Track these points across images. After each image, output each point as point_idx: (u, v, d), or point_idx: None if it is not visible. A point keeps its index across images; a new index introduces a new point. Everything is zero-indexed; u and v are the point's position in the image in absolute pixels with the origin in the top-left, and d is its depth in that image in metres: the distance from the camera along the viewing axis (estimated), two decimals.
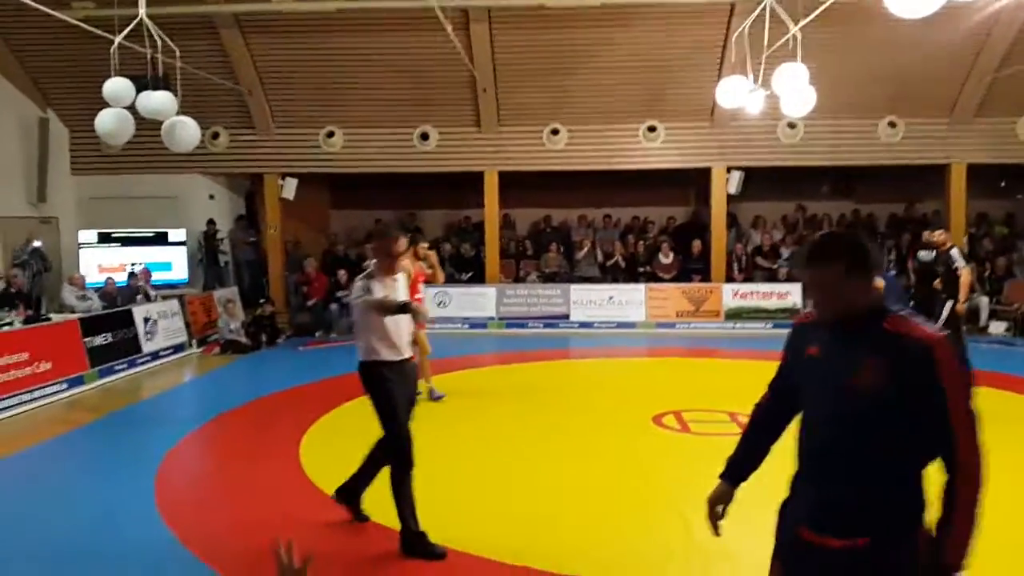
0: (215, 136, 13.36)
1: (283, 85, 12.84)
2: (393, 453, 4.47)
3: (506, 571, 4.02)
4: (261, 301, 12.77)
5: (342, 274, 13.08)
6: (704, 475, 5.67)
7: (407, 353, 4.59)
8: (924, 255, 9.91)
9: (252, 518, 4.88)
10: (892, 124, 12.82)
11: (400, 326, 4.49)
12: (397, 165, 13.56)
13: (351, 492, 4.81)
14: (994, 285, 12.75)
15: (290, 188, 13.42)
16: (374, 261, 4.55)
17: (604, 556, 4.19)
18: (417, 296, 7.48)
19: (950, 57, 11.77)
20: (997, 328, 12.26)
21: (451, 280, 13.86)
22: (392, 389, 4.44)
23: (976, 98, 12.34)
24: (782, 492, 5.17)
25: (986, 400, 6.79)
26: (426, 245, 8.05)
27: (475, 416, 7.45)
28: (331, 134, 13.40)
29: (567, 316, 13.09)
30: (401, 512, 4.33)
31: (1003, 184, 14.94)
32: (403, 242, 4.62)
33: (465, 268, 14.09)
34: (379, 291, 4.35)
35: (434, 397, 7.93)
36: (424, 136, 13.33)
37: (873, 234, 14.39)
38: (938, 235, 8.53)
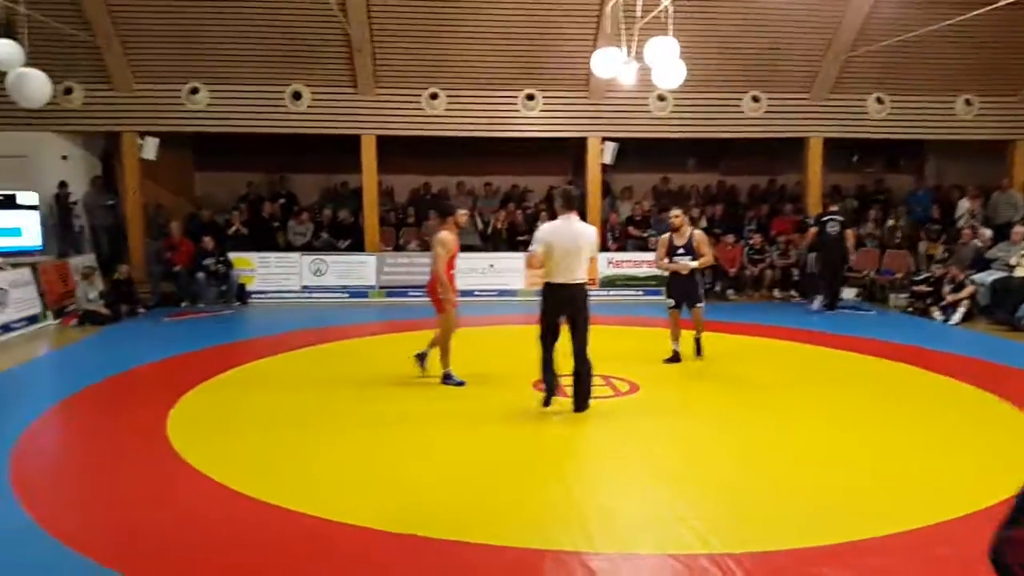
0: (68, 91, 12.39)
1: (143, 37, 12.02)
2: None
3: (390, 540, 4.03)
4: (120, 266, 12.00)
5: (208, 240, 12.52)
6: (581, 436, 5.91)
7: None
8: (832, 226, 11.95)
9: (117, 496, 4.65)
10: (756, 99, 13.42)
11: None
12: (267, 125, 12.99)
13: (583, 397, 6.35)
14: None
15: (150, 148, 12.65)
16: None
17: (487, 519, 4.26)
18: (451, 272, 7.23)
19: (810, 35, 12.46)
20: (849, 294, 13.18)
21: (330, 248, 13.56)
22: None
23: (832, 75, 13.09)
24: (660, 461, 5.33)
25: (847, 363, 7.19)
26: (464, 213, 7.61)
27: (357, 386, 7.36)
28: (195, 91, 12.69)
29: None
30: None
31: (855, 159, 16.00)
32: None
33: (343, 235, 13.79)
34: None
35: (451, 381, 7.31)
36: (296, 95, 12.85)
37: (735, 205, 15.10)
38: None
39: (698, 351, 8.41)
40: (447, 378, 7.31)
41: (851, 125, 13.67)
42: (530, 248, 6.33)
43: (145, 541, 4.05)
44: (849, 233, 12.14)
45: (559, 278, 6.17)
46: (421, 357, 7.55)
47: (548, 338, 6.34)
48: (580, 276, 6.19)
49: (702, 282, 8.44)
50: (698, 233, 8.35)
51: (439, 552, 3.89)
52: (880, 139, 14.03)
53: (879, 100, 13.47)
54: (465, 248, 13.46)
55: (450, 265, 7.18)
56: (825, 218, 11.95)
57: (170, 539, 4.06)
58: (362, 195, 13.56)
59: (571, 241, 6.14)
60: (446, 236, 7.12)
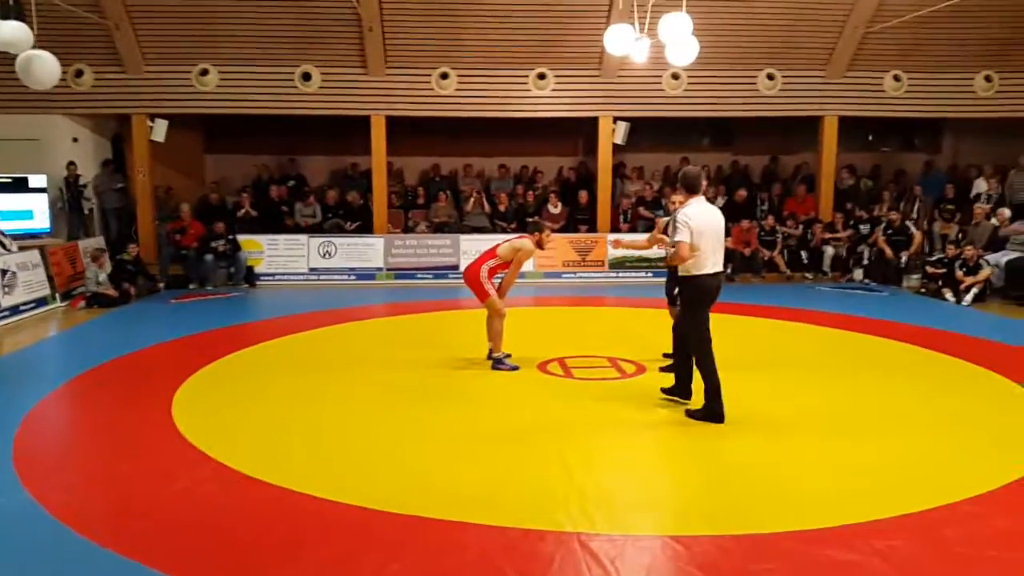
0: (79, 74, 12.37)
1: (154, 18, 11.96)
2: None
3: (390, 520, 4.00)
4: (129, 246, 11.94)
5: (220, 226, 12.49)
6: (582, 417, 5.85)
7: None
8: None
9: (119, 477, 4.65)
10: (770, 76, 13.21)
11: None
12: (277, 107, 12.93)
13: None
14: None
15: (160, 130, 12.63)
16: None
17: (487, 500, 4.23)
18: (499, 273, 7.41)
19: (826, 10, 12.23)
20: (858, 274, 12.99)
21: (337, 230, 13.52)
22: None
23: (848, 52, 12.86)
24: (663, 442, 5.26)
25: (866, 346, 6.99)
26: (550, 234, 7.79)
27: (363, 368, 7.34)
28: (205, 72, 12.64)
29: (457, 267, 13.00)
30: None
31: (870, 137, 15.76)
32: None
33: (352, 217, 13.73)
34: None
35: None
36: (306, 76, 12.76)
37: (749, 184, 14.91)
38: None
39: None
40: (499, 363, 7.21)
41: (867, 103, 13.45)
42: (677, 237, 5.45)
43: (145, 522, 4.04)
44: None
45: (714, 267, 5.56)
46: (496, 360, 7.24)
47: (708, 336, 5.67)
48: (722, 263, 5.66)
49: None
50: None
51: (439, 532, 3.87)
52: (897, 117, 13.80)
53: (896, 78, 13.23)
54: (474, 230, 13.51)
55: (503, 267, 7.34)
56: None
57: (170, 519, 4.05)
58: (371, 176, 13.49)
59: (718, 224, 5.57)
60: (527, 243, 7.35)
